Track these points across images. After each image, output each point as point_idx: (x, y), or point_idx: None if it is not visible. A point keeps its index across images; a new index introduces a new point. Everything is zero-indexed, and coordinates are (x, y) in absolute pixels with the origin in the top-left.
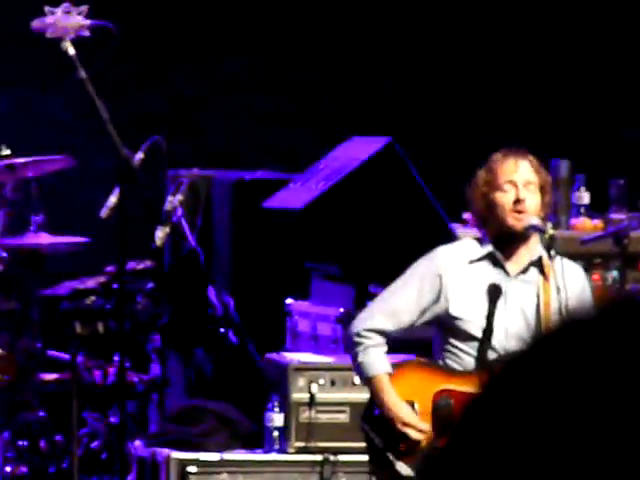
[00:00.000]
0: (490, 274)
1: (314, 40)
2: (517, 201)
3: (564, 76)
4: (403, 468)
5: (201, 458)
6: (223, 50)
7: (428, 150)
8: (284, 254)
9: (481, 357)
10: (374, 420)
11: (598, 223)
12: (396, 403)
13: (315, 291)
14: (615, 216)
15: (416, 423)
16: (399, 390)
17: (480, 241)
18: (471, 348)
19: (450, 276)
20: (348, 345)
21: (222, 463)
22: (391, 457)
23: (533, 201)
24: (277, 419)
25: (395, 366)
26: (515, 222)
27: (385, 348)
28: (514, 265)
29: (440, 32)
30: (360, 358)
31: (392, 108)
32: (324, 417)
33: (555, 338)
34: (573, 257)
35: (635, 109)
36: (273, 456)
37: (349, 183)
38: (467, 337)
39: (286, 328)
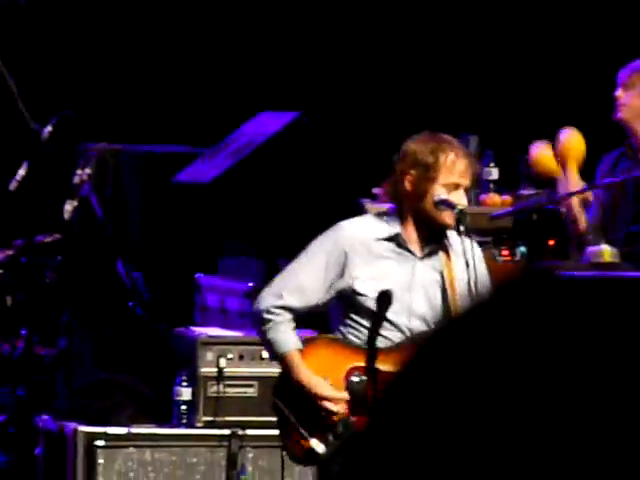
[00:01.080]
0: (396, 253)
1: (226, 15)
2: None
3: (474, 52)
4: (316, 444)
5: (109, 432)
6: (135, 33)
7: (337, 124)
8: (193, 228)
9: (381, 334)
10: (287, 396)
11: (507, 199)
12: (311, 378)
13: (224, 266)
14: (524, 192)
15: (334, 395)
16: (310, 367)
17: (385, 216)
18: (370, 324)
19: (355, 252)
20: (256, 322)
21: (130, 437)
22: (305, 433)
23: (463, 200)
24: (185, 393)
25: (304, 343)
26: (445, 219)
27: (293, 324)
28: (419, 246)
29: (348, 6)
30: (270, 335)
31: (302, 83)
32: (232, 391)
33: (467, 318)
34: (483, 232)
35: (545, 86)
36: (181, 430)
37: (257, 157)
38: (369, 314)
39: (195, 302)
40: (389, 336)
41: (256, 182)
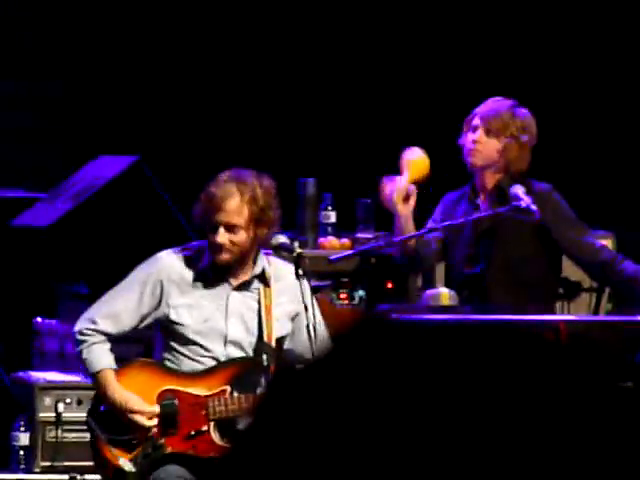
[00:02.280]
0: (211, 283)
1: (62, 55)
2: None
3: (311, 95)
4: (126, 463)
5: None
6: None
7: (175, 168)
8: (31, 273)
9: (198, 361)
10: (100, 415)
11: (345, 242)
12: (122, 394)
13: (63, 310)
14: (362, 235)
15: (144, 409)
16: (125, 388)
17: (204, 246)
18: (189, 351)
19: (171, 282)
20: (73, 344)
21: None
22: (115, 451)
23: (236, 241)
24: (23, 438)
25: (121, 365)
26: (216, 258)
27: (108, 345)
28: (237, 277)
29: (171, 59)
30: (84, 355)
31: (140, 127)
32: (71, 436)
33: (308, 367)
34: (321, 276)
35: (385, 130)
36: (20, 475)
37: (95, 201)
38: (186, 341)
39: (33, 347)
40: (204, 362)
41: (95, 226)
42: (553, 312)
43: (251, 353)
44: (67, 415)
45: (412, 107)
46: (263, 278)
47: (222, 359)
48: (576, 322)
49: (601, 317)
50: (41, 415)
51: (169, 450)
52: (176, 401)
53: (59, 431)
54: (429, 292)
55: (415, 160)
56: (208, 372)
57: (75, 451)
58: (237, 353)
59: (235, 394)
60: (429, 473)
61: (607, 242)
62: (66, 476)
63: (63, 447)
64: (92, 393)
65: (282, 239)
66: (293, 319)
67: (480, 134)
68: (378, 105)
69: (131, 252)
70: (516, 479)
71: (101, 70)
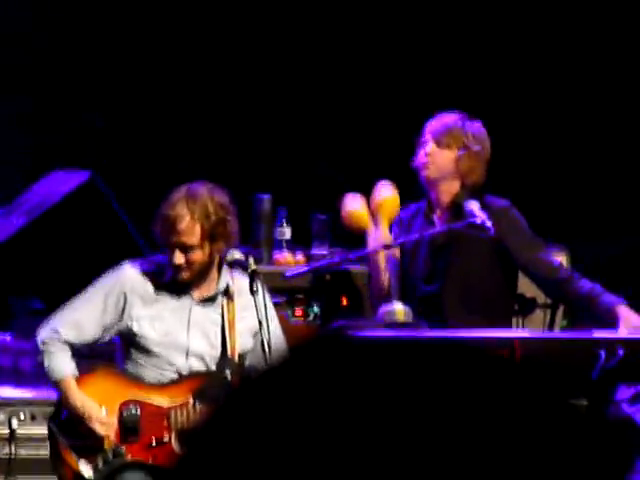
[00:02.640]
0: (174, 295)
1: (19, 70)
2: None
3: (267, 110)
4: (85, 469)
5: None
6: None
7: (130, 182)
8: None
9: (160, 372)
10: (62, 422)
11: (300, 258)
12: (84, 400)
13: (17, 325)
14: (317, 251)
15: (102, 417)
16: (88, 395)
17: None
18: (151, 363)
19: (134, 293)
20: (35, 352)
21: None
22: (75, 457)
23: (193, 260)
24: None
25: (86, 372)
26: (177, 277)
27: (70, 352)
28: (201, 292)
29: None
30: (46, 363)
31: (95, 141)
32: (25, 452)
33: (260, 380)
34: (277, 291)
35: (336, 146)
36: None
37: (50, 217)
38: (148, 352)
39: None
40: (165, 374)
41: (49, 241)
42: (509, 327)
43: (213, 366)
44: (21, 431)
45: (364, 123)
46: (227, 293)
47: (184, 372)
48: (531, 339)
49: (556, 334)
50: None
51: (129, 458)
52: (138, 410)
53: (13, 447)
54: (384, 308)
55: (386, 200)
56: (171, 384)
57: (29, 467)
58: (199, 366)
59: (197, 406)
60: None
61: (561, 257)
62: None
63: (17, 463)
64: (46, 409)
65: (237, 255)
66: (255, 335)
67: (431, 147)
68: (331, 121)
69: (86, 267)
70: None
71: (56, 84)
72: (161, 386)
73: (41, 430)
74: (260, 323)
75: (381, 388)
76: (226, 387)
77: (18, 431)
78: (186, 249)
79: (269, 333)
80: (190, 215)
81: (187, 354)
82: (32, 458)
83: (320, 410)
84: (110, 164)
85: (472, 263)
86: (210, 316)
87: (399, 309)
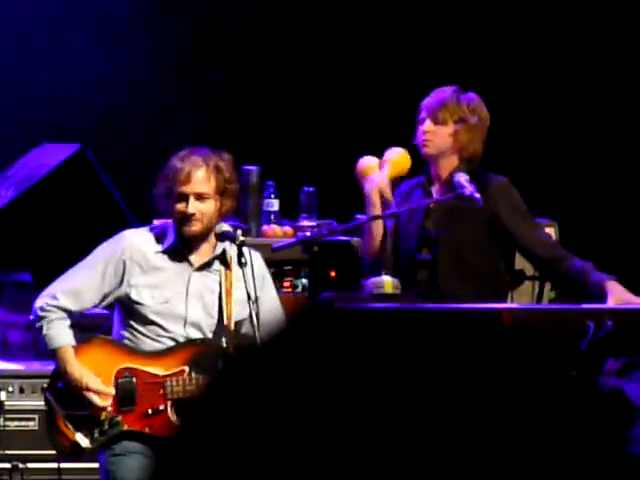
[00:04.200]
0: (173, 264)
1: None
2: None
3: (256, 81)
4: (81, 438)
5: None
6: None
7: (120, 155)
8: None
9: (157, 340)
10: (58, 391)
11: (288, 230)
12: (81, 371)
13: (5, 298)
14: (305, 223)
15: (100, 388)
16: (84, 365)
17: (167, 227)
18: (148, 331)
19: (133, 261)
20: (34, 320)
21: None
22: (71, 426)
23: (205, 211)
24: None
25: (82, 341)
26: (186, 230)
27: (68, 321)
28: (197, 257)
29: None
30: (44, 331)
31: (84, 115)
32: (13, 425)
33: (253, 351)
34: (264, 264)
35: (329, 116)
36: None
37: (39, 190)
38: (145, 321)
39: None
40: (163, 341)
41: (38, 214)
42: (503, 301)
43: (210, 335)
44: (10, 403)
45: (354, 94)
46: (224, 260)
47: (181, 340)
48: (519, 310)
49: (545, 305)
50: None
51: (125, 427)
52: (134, 379)
53: (1, 419)
54: (372, 280)
55: (396, 159)
56: (167, 352)
57: (18, 440)
58: (196, 334)
59: (193, 375)
60: (368, 455)
61: (550, 230)
62: (8, 464)
63: (5, 436)
64: (35, 381)
65: (225, 227)
66: (250, 303)
67: (428, 124)
68: (323, 92)
69: (75, 240)
70: (459, 465)
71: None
72: (157, 355)
73: (30, 403)
74: (249, 296)
75: (371, 359)
76: (222, 356)
77: (6, 403)
78: (200, 199)
79: (266, 304)
80: (206, 167)
81: (185, 323)
82: (21, 430)
83: (312, 381)
84: (99, 137)
85: (466, 234)
86: (208, 284)
87: (387, 281)
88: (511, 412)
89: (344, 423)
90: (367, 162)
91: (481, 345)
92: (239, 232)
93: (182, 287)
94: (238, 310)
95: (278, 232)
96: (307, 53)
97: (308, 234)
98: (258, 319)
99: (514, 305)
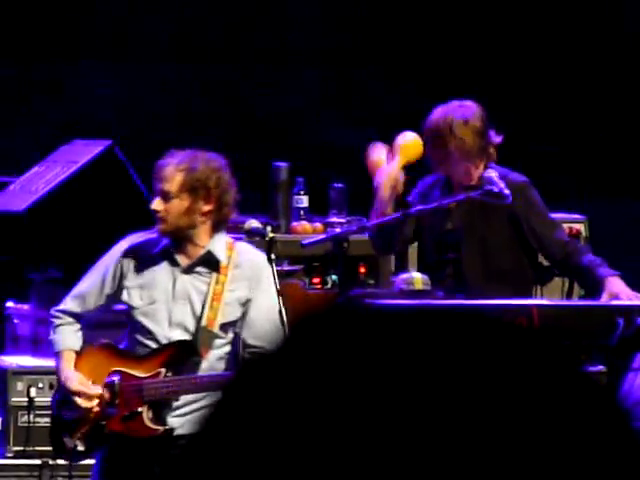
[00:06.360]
0: (164, 265)
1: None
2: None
3: (285, 80)
4: (70, 442)
5: None
6: None
7: (149, 153)
8: (4, 257)
9: (145, 343)
10: (57, 393)
11: (318, 226)
12: (68, 374)
13: (35, 294)
14: (334, 219)
15: (82, 390)
16: (84, 369)
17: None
18: (138, 333)
19: (129, 263)
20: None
21: None
22: (62, 430)
23: (169, 209)
24: None
25: (87, 347)
26: (157, 228)
27: (76, 326)
28: (184, 259)
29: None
30: (51, 335)
31: (114, 112)
32: (43, 421)
33: (278, 349)
34: (294, 260)
35: (354, 115)
36: None
37: (69, 186)
38: (135, 323)
39: (6, 331)
40: (148, 344)
41: (69, 210)
42: (529, 297)
43: (196, 336)
44: (39, 400)
45: (381, 90)
46: (214, 263)
47: (164, 342)
48: (549, 307)
49: (575, 302)
50: (13, 400)
51: (107, 431)
52: (117, 382)
53: (31, 416)
54: (402, 276)
55: (407, 144)
56: (149, 354)
57: (47, 436)
58: (182, 336)
59: (168, 376)
60: (393, 458)
61: (580, 227)
62: (38, 461)
63: (35, 432)
64: None
65: (254, 223)
66: (244, 304)
67: (431, 149)
68: (351, 89)
69: (104, 237)
70: (484, 464)
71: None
72: (142, 357)
73: None
74: (278, 292)
75: (398, 357)
76: (196, 357)
77: (36, 400)
78: (164, 196)
79: (255, 306)
80: (175, 164)
81: (170, 324)
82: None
83: (338, 379)
84: (130, 134)
85: (491, 232)
86: (196, 285)
87: (417, 277)
88: (538, 411)
89: (369, 422)
90: (377, 155)
91: (510, 343)
92: (268, 228)
93: (169, 287)
94: (229, 312)
95: (308, 228)
96: (333, 51)
97: (338, 230)
98: (258, 318)
99: (544, 301)
